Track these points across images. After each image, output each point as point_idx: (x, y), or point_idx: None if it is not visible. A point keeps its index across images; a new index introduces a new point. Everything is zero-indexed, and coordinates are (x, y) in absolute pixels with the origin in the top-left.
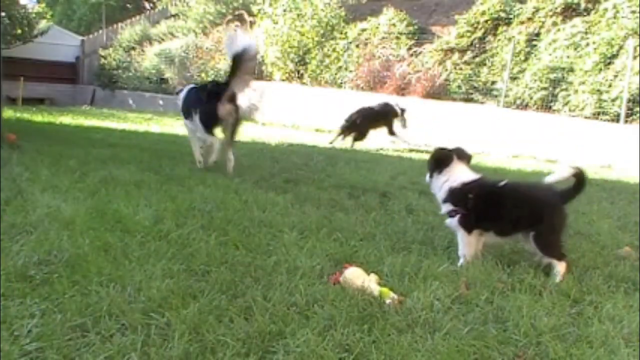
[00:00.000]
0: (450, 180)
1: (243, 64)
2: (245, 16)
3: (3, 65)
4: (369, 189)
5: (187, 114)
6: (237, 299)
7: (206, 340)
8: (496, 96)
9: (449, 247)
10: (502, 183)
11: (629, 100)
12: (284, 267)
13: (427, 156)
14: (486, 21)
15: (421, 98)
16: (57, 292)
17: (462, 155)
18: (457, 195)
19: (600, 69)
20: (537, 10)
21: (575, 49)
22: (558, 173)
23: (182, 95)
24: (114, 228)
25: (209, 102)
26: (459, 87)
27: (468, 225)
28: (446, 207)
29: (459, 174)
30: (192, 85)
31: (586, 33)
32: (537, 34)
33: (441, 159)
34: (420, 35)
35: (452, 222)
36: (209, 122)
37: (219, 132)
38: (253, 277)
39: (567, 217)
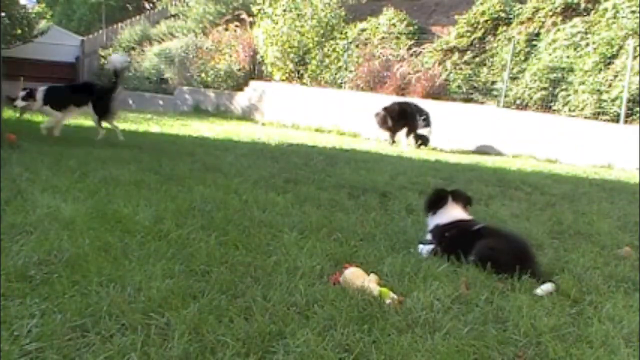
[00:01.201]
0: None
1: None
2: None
3: (3, 65)
4: (369, 189)
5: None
6: (237, 299)
7: (206, 340)
8: (496, 96)
9: None
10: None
11: (629, 100)
12: (284, 267)
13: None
14: (486, 21)
15: (421, 98)
16: (57, 292)
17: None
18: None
19: (600, 69)
20: (537, 10)
21: (575, 49)
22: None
23: (42, 91)
24: (114, 228)
25: (104, 98)
26: (459, 87)
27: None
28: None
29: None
30: (51, 85)
31: (586, 33)
32: (537, 34)
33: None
34: (420, 35)
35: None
36: (108, 110)
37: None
38: (253, 277)
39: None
